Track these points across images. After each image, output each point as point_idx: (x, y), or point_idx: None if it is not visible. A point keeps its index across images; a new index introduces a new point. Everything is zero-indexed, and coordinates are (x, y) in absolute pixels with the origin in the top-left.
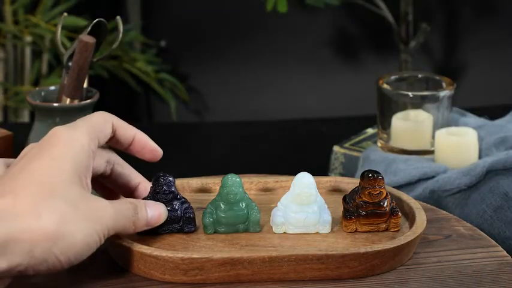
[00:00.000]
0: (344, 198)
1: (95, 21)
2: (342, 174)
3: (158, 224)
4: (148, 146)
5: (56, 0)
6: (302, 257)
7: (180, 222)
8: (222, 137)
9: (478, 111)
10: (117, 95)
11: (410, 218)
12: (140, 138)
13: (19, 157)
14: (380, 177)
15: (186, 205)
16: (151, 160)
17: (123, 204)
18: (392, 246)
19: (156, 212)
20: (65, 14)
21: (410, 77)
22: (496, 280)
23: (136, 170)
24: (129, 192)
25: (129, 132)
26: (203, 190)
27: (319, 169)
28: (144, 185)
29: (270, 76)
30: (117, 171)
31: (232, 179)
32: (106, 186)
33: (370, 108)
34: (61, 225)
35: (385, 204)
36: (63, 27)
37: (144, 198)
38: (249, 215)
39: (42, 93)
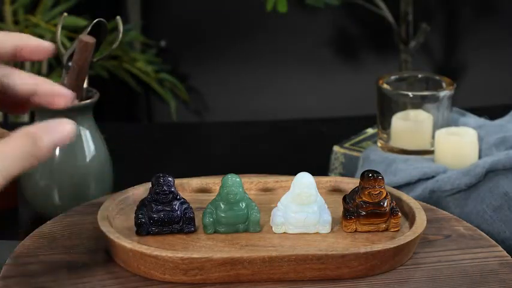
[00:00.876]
0: (344, 198)
1: (95, 21)
2: (342, 174)
3: (70, 142)
4: (40, 47)
5: (56, 0)
6: (302, 257)
7: (180, 222)
8: (222, 137)
9: (478, 111)
10: (117, 95)
11: (410, 218)
12: (26, 43)
13: None
14: (380, 177)
15: (185, 205)
16: (45, 58)
17: (16, 140)
18: (392, 246)
19: (60, 133)
20: (65, 14)
21: (410, 77)
22: (496, 280)
23: (136, 169)
24: (27, 99)
25: (8, 44)
26: (203, 190)
27: (319, 169)
28: (44, 87)
29: (270, 76)
30: (4, 84)
31: (232, 179)
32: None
33: (370, 108)
34: None
35: (385, 204)
36: (63, 27)
37: (144, 199)
38: (249, 215)
39: None
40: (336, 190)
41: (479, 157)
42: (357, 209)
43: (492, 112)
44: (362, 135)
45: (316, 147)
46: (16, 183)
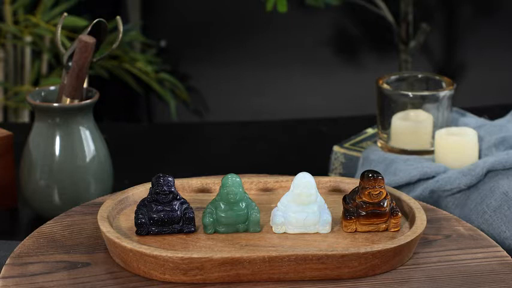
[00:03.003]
0: (344, 198)
1: (95, 21)
2: (342, 174)
3: None
4: None
5: (56, 0)
6: (302, 257)
7: (180, 222)
8: (222, 137)
9: (478, 111)
10: (117, 95)
11: (410, 218)
12: None
13: None
14: (380, 177)
15: (185, 205)
16: None
17: None
18: (392, 246)
19: None
20: (65, 14)
21: (410, 77)
22: (496, 280)
23: (136, 169)
24: None
25: None
26: (203, 190)
27: (319, 169)
28: None
29: (270, 76)
30: None
31: (232, 179)
32: None
33: (370, 108)
34: None
35: (385, 204)
36: (63, 27)
37: (144, 199)
38: (249, 215)
39: (42, 93)
40: (336, 190)
41: (479, 157)
42: (357, 209)
43: (492, 112)
44: (362, 135)
45: (316, 147)
46: (16, 183)
